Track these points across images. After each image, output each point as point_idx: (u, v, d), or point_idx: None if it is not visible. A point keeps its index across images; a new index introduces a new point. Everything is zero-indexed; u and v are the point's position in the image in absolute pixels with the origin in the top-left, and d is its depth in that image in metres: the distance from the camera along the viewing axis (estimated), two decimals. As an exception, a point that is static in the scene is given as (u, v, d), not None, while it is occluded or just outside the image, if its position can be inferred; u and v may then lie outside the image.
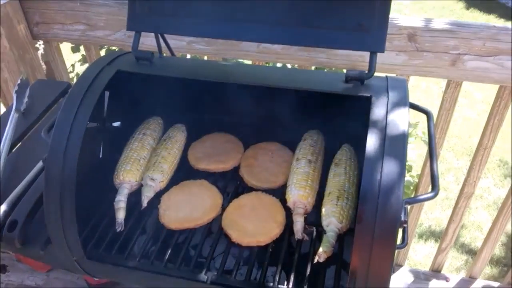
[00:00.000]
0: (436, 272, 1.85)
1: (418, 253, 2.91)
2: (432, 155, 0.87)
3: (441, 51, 1.36)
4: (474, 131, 3.90)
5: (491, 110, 1.45)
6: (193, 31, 1.02)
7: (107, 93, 1.05)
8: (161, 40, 1.12)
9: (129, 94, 1.09)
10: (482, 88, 4.26)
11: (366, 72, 0.91)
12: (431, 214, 3.18)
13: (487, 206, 3.25)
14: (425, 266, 2.76)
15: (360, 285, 0.78)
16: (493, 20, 5.53)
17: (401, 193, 0.75)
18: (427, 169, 1.59)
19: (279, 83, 0.97)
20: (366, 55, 1.39)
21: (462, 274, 2.41)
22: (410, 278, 1.79)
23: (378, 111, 0.83)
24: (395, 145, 0.78)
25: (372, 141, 0.79)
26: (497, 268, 2.80)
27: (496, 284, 1.80)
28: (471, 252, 2.91)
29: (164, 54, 1.18)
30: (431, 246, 2.94)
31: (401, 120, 0.81)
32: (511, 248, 2.92)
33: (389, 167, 0.76)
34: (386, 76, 0.95)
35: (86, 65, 2.76)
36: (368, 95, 0.87)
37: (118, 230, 1.00)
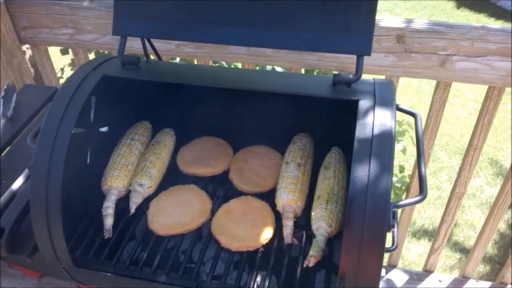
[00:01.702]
0: (429, 272, 1.85)
1: (411, 252, 2.92)
2: (420, 157, 0.86)
3: (429, 52, 1.36)
4: (466, 129, 3.91)
5: (480, 110, 1.45)
6: (179, 35, 1.01)
7: (93, 98, 1.04)
8: (147, 44, 1.11)
9: (117, 99, 1.08)
10: (473, 87, 4.27)
11: (353, 75, 0.91)
12: (424, 213, 3.19)
13: (480, 204, 3.26)
14: (418, 266, 2.77)
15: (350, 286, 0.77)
16: (483, 19, 5.56)
17: (389, 196, 0.75)
18: (418, 170, 1.60)
19: (267, 87, 0.97)
20: (354, 56, 1.40)
21: (455, 274, 2.42)
22: (403, 279, 1.79)
23: (365, 114, 0.83)
24: (382, 149, 0.77)
25: (359, 145, 0.78)
26: (490, 266, 2.81)
27: (489, 283, 1.81)
28: (464, 251, 2.92)
29: (152, 57, 1.18)
30: (425, 245, 2.95)
31: (387, 123, 0.81)
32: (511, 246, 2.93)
33: (376, 171, 0.75)
34: (374, 79, 0.95)
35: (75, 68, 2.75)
36: (355, 98, 0.87)
37: (106, 236, 0.99)
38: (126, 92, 1.08)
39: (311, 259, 0.87)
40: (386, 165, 0.76)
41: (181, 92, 1.14)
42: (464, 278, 1.84)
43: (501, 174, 3.51)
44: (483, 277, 2.69)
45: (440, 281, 1.81)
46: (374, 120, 0.81)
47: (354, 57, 1.39)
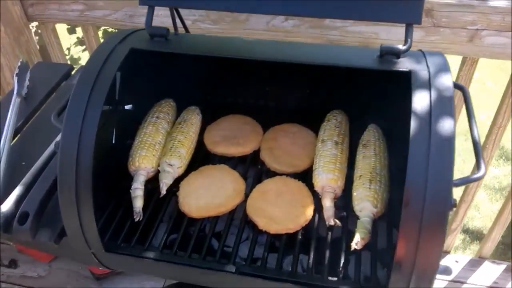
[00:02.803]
0: (445, 252, 1.84)
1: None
2: (473, 132, 0.81)
3: (458, 26, 1.32)
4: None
5: (506, 89, 1.42)
6: (208, 4, 0.94)
7: (118, 74, 0.98)
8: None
9: (143, 74, 1.02)
10: (478, 67, 4.22)
11: (402, 46, 0.86)
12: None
13: (483, 186, 3.25)
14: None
15: (406, 274, 0.73)
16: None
17: (452, 174, 0.70)
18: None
19: (306, 59, 0.90)
20: (380, 31, 1.34)
21: (471, 255, 2.42)
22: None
23: (420, 86, 0.77)
24: (443, 122, 0.72)
25: (417, 119, 0.73)
26: (501, 248, 2.82)
27: (505, 264, 1.79)
28: (468, 232, 2.92)
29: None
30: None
31: (447, 94, 0.75)
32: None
33: (437, 146, 0.70)
34: (421, 50, 0.89)
35: (80, 47, 2.67)
36: (407, 70, 0.81)
37: (136, 219, 0.93)
38: (153, 67, 1.02)
39: (360, 242, 0.82)
40: (448, 139, 0.71)
41: (208, 66, 1.08)
42: (480, 259, 1.82)
43: (504, 155, 3.50)
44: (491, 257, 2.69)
45: (456, 261, 1.80)
46: (431, 92, 0.76)
47: (378, 32, 1.34)
